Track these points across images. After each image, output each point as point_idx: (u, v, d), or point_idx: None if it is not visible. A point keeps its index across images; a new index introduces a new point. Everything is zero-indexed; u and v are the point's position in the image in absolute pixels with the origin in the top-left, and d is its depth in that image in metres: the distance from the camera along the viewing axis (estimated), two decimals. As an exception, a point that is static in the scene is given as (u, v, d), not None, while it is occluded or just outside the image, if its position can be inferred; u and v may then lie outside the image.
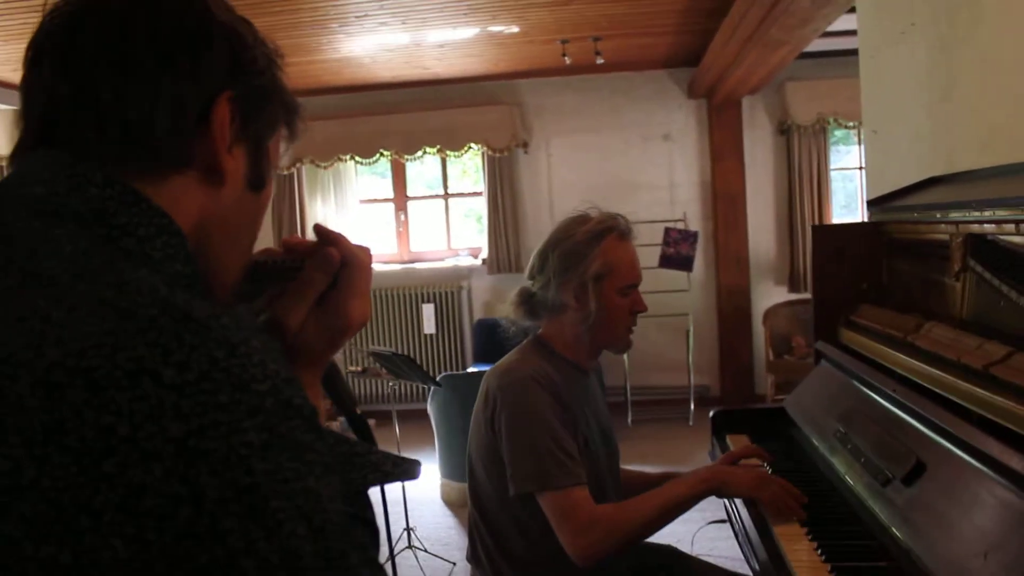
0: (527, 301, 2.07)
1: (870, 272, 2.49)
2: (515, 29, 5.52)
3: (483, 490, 1.97)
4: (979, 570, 1.29)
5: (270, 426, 0.58)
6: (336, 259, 0.85)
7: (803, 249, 7.05)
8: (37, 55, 0.75)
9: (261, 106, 0.79)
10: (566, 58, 6.04)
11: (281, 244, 0.89)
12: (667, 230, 6.54)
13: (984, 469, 1.42)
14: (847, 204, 7.50)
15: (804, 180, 7.05)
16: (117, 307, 0.59)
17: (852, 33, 5.39)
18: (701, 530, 3.51)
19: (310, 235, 0.90)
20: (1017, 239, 1.71)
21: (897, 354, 1.99)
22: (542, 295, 1.99)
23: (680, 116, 7.23)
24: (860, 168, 7.40)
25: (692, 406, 6.75)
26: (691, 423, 6.58)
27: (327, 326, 0.85)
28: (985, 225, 1.82)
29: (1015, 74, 2.14)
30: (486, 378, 2.01)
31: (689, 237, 6.52)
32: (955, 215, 1.92)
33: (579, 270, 1.94)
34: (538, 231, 7.17)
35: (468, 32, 5.50)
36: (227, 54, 0.76)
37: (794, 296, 7.05)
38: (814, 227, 2.63)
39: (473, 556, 2.03)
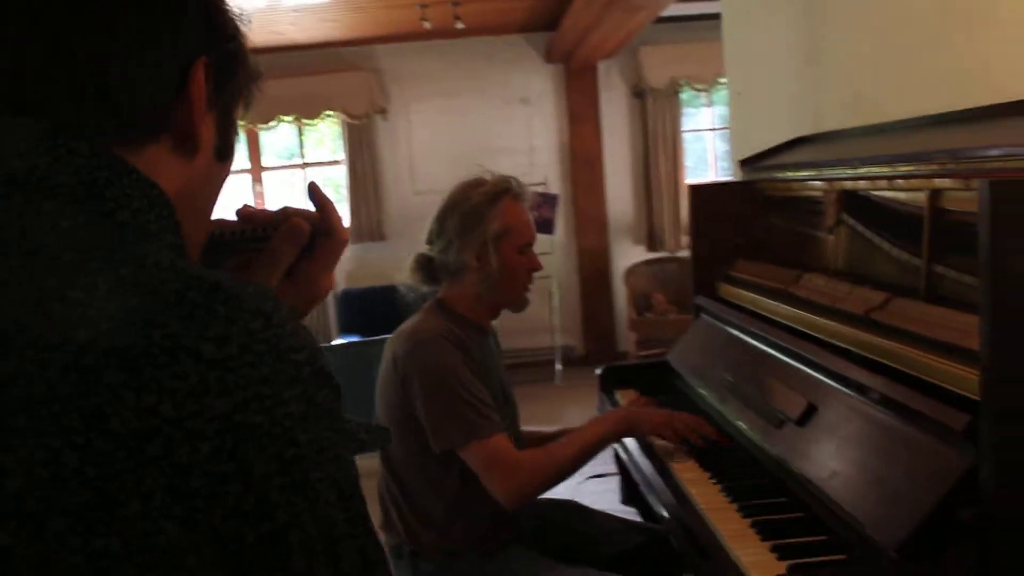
0: (425, 266, 2.08)
1: (745, 229, 2.61)
2: (374, -9, 5.43)
3: (395, 455, 1.98)
4: (872, 493, 1.41)
5: (308, 396, 0.57)
6: (306, 231, 0.83)
7: (660, 209, 7.30)
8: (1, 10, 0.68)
9: (231, 73, 0.76)
10: (425, 23, 5.98)
11: (237, 213, 0.86)
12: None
13: (872, 405, 1.54)
14: (696, 165, 7.79)
15: (659, 142, 7.28)
16: (139, 283, 0.56)
17: (705, -1, 5.61)
18: (581, 485, 3.63)
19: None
20: (889, 194, 1.84)
21: (779, 304, 2.10)
22: (442, 258, 2.00)
23: (538, 80, 7.30)
24: (711, 129, 7.71)
25: (559, 366, 6.90)
26: (558, 383, 6.74)
27: (296, 297, 0.83)
28: (859, 182, 1.94)
29: (878, 41, 2.28)
30: (390, 344, 2.01)
31: (550, 200, 6.61)
32: (830, 172, 2.04)
33: (480, 230, 1.97)
34: (400, 199, 7.12)
35: (325, -5, 5.36)
36: (203, 17, 0.73)
37: (652, 255, 7.30)
38: (691, 187, 2.72)
39: (386, 523, 2.03)
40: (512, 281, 2.02)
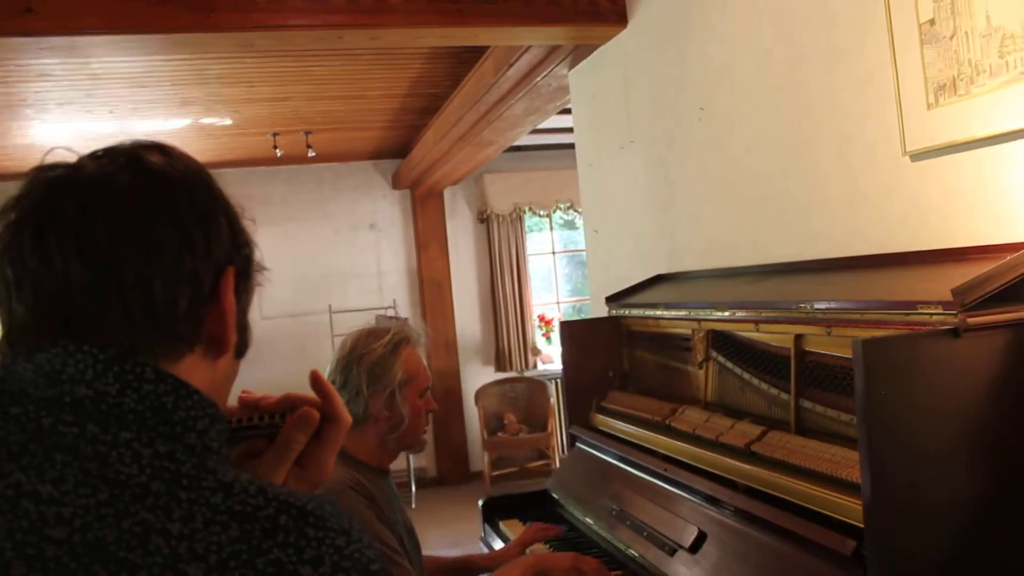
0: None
1: (614, 361, 2.79)
2: (228, 122, 5.47)
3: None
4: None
5: None
6: (316, 419, 0.86)
7: (507, 330, 7.51)
8: (38, 231, 0.70)
9: (249, 275, 0.81)
10: (277, 150, 6.06)
11: (239, 401, 0.88)
12: (377, 318, 6.69)
13: (761, 532, 1.69)
14: (542, 284, 8.09)
15: (505, 265, 7.55)
16: (233, 512, 0.61)
17: (547, 131, 5.98)
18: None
19: None
20: (756, 335, 2.05)
21: (658, 436, 2.26)
22: (349, 409, 2.03)
23: (385, 205, 7.47)
24: (553, 252, 8.06)
25: (413, 488, 6.86)
26: (414, 506, 6.67)
27: (306, 481, 0.85)
28: (727, 323, 2.15)
29: (727, 192, 2.55)
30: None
31: (401, 323, 6.70)
32: (700, 314, 2.24)
33: (387, 380, 2.02)
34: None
35: (179, 123, 5.36)
36: (227, 227, 0.77)
37: (501, 375, 7.46)
38: (562, 323, 2.89)
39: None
40: (415, 426, 2.08)
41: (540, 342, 7.76)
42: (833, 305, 1.69)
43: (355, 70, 4.52)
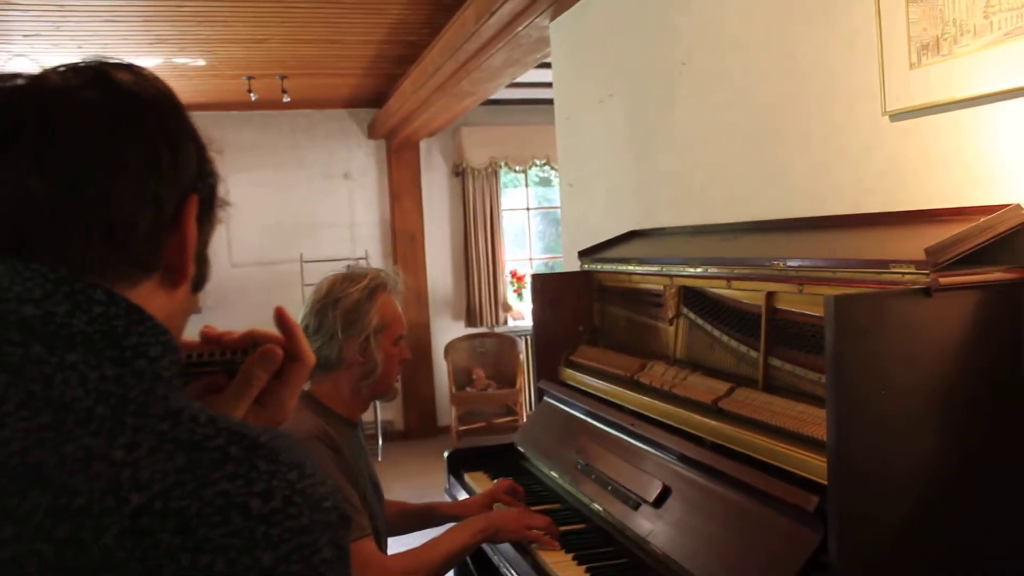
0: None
1: (584, 316, 2.78)
2: (201, 63, 5.36)
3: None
4: (734, 569, 1.55)
5: (336, 540, 0.61)
6: (280, 356, 0.83)
7: (478, 285, 7.49)
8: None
9: (212, 206, 0.78)
10: (252, 94, 5.95)
11: (201, 335, 0.86)
12: (348, 266, 6.63)
13: (725, 487, 1.69)
14: (515, 240, 8.07)
15: (479, 220, 7.50)
16: (180, 441, 0.59)
17: (525, 85, 5.91)
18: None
19: None
20: (727, 292, 2.04)
21: (625, 391, 2.26)
22: (323, 353, 2.01)
23: (360, 155, 7.38)
24: (527, 208, 8.02)
25: (380, 441, 6.86)
26: (380, 458, 6.69)
27: (266, 420, 0.83)
28: (699, 279, 2.14)
29: (705, 147, 2.53)
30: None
31: (373, 274, 6.66)
32: (672, 269, 2.23)
33: (362, 325, 2.00)
34: (217, 271, 6.79)
35: (150, 62, 5.23)
36: (195, 153, 0.74)
37: (472, 330, 7.45)
38: (533, 276, 2.88)
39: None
40: (387, 373, 2.06)
41: (511, 298, 7.75)
42: (806, 263, 1.68)
43: (333, 13, 4.42)
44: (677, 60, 2.63)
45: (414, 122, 6.35)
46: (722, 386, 1.91)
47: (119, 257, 0.68)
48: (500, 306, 7.52)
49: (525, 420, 5.85)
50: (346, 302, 2.01)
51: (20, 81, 0.69)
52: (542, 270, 8.02)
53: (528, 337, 7.27)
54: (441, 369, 7.30)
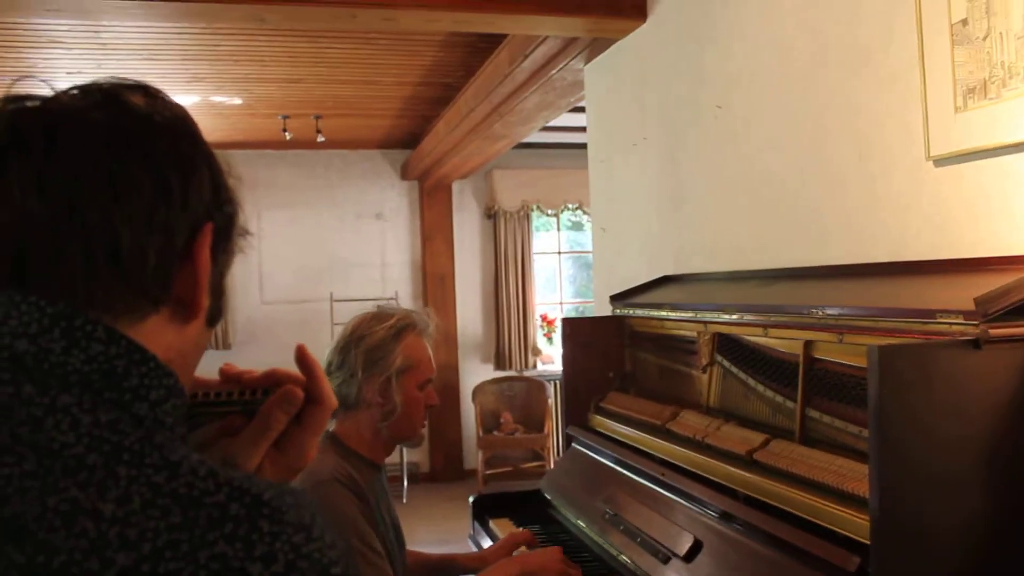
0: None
1: (615, 361, 2.72)
2: (238, 101, 5.42)
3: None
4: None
5: None
6: (300, 398, 0.78)
7: (508, 329, 7.45)
8: None
9: (230, 236, 0.73)
10: (287, 133, 6.01)
11: (220, 374, 0.81)
12: (378, 306, 6.62)
13: (759, 543, 1.62)
14: (546, 284, 8.03)
15: (510, 263, 7.48)
16: (177, 495, 0.53)
17: (558, 129, 5.92)
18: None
19: None
20: (763, 340, 1.98)
21: (656, 439, 2.19)
22: (342, 391, 1.97)
23: (393, 196, 7.41)
24: (558, 252, 8.00)
25: (405, 483, 6.79)
26: (404, 500, 6.61)
27: (284, 466, 0.78)
28: (735, 327, 2.08)
29: (740, 192, 2.48)
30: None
31: (402, 315, 6.65)
32: (707, 316, 2.17)
33: (384, 364, 1.96)
34: (248, 308, 6.95)
35: (188, 100, 5.30)
36: (210, 180, 0.70)
37: (500, 374, 7.39)
38: (564, 320, 2.83)
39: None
40: (411, 417, 2.00)
41: (541, 342, 7.70)
42: (846, 311, 1.62)
43: (369, 54, 4.46)
44: (712, 103, 2.60)
45: (447, 164, 6.37)
46: (757, 437, 1.85)
47: (125, 289, 0.64)
48: (530, 350, 7.46)
49: (552, 466, 5.74)
50: (370, 340, 1.97)
51: (29, 103, 0.66)
52: (572, 314, 7.97)
53: (557, 381, 7.20)
54: (469, 412, 7.24)
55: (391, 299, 7.07)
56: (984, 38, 1.56)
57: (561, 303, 7.99)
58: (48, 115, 0.65)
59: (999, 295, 1.33)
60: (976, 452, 1.33)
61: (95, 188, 0.63)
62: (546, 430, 6.73)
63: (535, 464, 6.75)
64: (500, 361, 7.46)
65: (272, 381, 0.80)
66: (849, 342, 1.65)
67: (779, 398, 1.92)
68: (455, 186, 7.43)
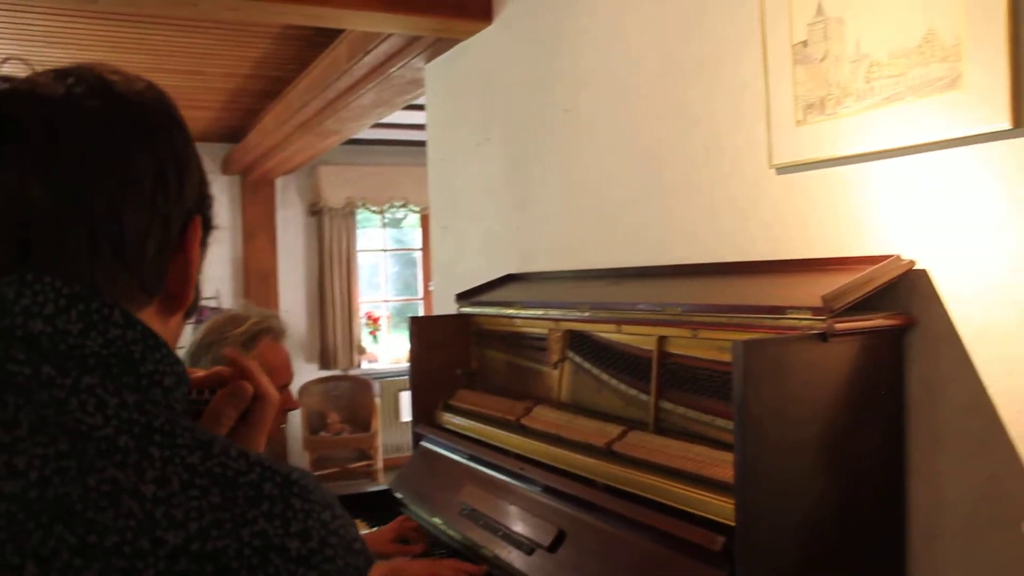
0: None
1: (463, 359, 2.76)
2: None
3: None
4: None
5: None
6: (250, 393, 0.80)
7: (333, 327, 7.33)
8: None
9: (209, 231, 0.76)
10: (99, 123, 5.65)
11: None
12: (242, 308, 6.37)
13: (624, 530, 1.70)
14: (370, 282, 7.97)
15: (334, 260, 7.37)
16: (213, 475, 0.55)
17: (386, 126, 5.89)
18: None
19: None
20: (615, 336, 2.07)
21: (510, 435, 2.24)
22: None
23: (213, 191, 7.11)
24: (384, 250, 7.95)
25: (226, 488, 6.56)
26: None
27: None
28: (588, 324, 2.16)
29: (582, 193, 2.58)
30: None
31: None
32: (560, 313, 2.25)
33: None
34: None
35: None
36: (198, 176, 0.72)
37: (326, 373, 7.27)
38: (411, 318, 2.83)
39: None
40: None
41: (366, 340, 7.63)
42: (702, 308, 1.73)
43: (197, 44, 4.28)
44: (559, 107, 2.68)
45: (273, 159, 6.20)
46: (614, 429, 1.93)
47: (127, 279, 0.65)
48: (355, 348, 7.38)
49: (380, 466, 5.64)
50: (221, 347, 1.91)
51: (12, 85, 0.65)
52: (396, 314, 7.95)
53: (384, 380, 7.17)
54: (294, 412, 7.07)
55: (212, 298, 6.79)
56: (822, 60, 1.71)
57: (386, 300, 7.95)
58: (42, 101, 0.64)
59: (843, 292, 1.46)
60: (823, 435, 1.46)
61: (100, 177, 0.63)
62: (373, 429, 6.68)
63: (363, 464, 6.70)
64: (325, 360, 7.34)
65: (216, 380, 0.82)
66: (703, 337, 1.76)
67: (632, 391, 2.01)
68: (279, 182, 7.25)
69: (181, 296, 0.70)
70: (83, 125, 0.64)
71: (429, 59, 3.58)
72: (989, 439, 1.45)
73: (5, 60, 0.68)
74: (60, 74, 0.66)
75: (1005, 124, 1.39)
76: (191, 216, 0.70)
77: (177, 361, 0.64)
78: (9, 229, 0.61)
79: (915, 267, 1.54)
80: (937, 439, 1.53)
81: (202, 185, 0.74)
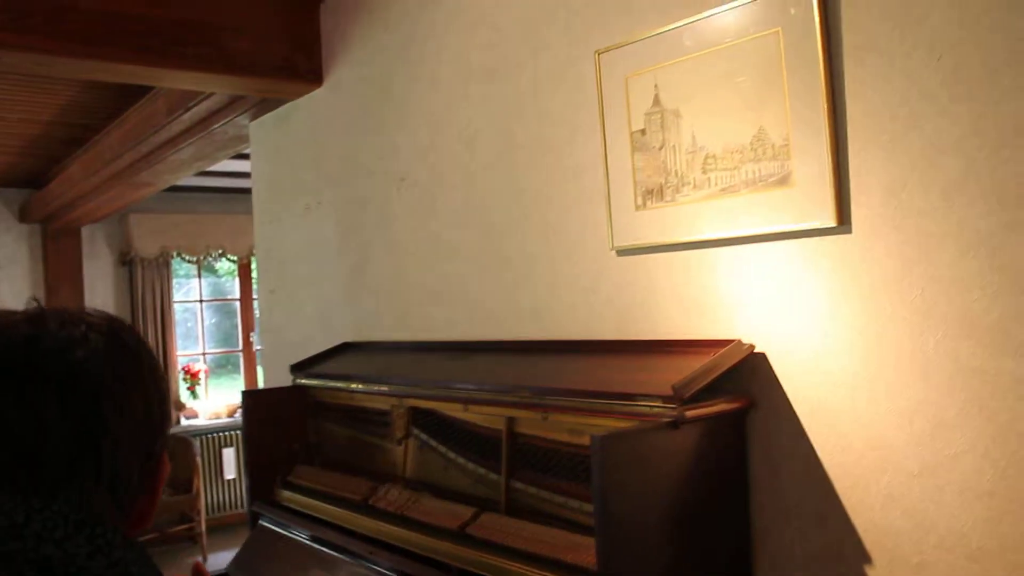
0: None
1: (298, 433, 2.67)
2: None
3: None
4: None
5: None
6: None
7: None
8: (17, 380, 0.69)
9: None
10: None
11: None
12: None
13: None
14: (187, 333, 7.61)
15: (148, 313, 6.99)
16: None
17: (205, 174, 5.67)
18: None
19: None
20: (461, 415, 2.06)
21: (355, 515, 2.18)
22: None
23: (9, 240, 6.61)
24: (200, 300, 7.62)
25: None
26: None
27: None
28: (431, 402, 2.14)
29: (420, 265, 2.56)
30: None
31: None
32: (405, 389, 2.22)
33: None
34: None
35: None
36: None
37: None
38: (244, 392, 2.72)
39: None
40: None
41: (184, 396, 7.26)
42: (553, 391, 1.75)
43: (-6, 89, 3.98)
44: (395, 175, 2.66)
45: (79, 208, 5.83)
46: (465, 511, 1.92)
47: (112, 505, 0.72)
48: (173, 405, 6.99)
49: (203, 531, 5.27)
50: None
51: (25, 330, 0.73)
52: (216, 366, 7.62)
53: (205, 437, 6.84)
54: (103, 477, 6.61)
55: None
56: (660, 148, 1.78)
57: (204, 353, 7.61)
58: (59, 340, 0.72)
59: (690, 380, 1.52)
60: (677, 515, 1.50)
61: (111, 415, 0.72)
62: (195, 489, 6.34)
63: (183, 527, 6.34)
64: (139, 419, 6.91)
65: None
66: (554, 420, 1.78)
67: (481, 470, 2.01)
68: (85, 231, 6.81)
69: (146, 516, 0.78)
70: (95, 363, 0.72)
71: (255, 117, 3.48)
72: (826, 511, 1.54)
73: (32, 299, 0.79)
74: (69, 319, 0.75)
75: (830, 222, 1.50)
76: (161, 448, 0.79)
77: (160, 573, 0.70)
78: (15, 455, 0.68)
79: (754, 351, 1.63)
80: (779, 512, 1.61)
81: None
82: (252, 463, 2.65)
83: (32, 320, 0.74)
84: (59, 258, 6.68)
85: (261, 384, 7.29)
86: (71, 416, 0.69)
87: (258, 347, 7.51)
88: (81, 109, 4.41)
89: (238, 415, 6.88)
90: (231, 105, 3.38)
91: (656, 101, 1.79)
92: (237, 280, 7.70)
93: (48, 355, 0.71)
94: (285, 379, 2.78)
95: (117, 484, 0.72)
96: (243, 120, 3.54)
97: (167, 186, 5.29)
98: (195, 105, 3.42)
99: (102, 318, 0.79)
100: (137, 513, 0.76)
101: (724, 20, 1.67)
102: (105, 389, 0.72)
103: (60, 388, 0.70)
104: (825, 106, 1.50)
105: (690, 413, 1.50)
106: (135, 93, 4.00)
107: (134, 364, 0.77)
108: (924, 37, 1.39)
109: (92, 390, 0.71)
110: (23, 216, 6.58)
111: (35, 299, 0.79)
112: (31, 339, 0.72)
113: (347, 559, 2.13)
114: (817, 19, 1.51)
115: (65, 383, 0.70)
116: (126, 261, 6.99)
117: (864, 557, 1.49)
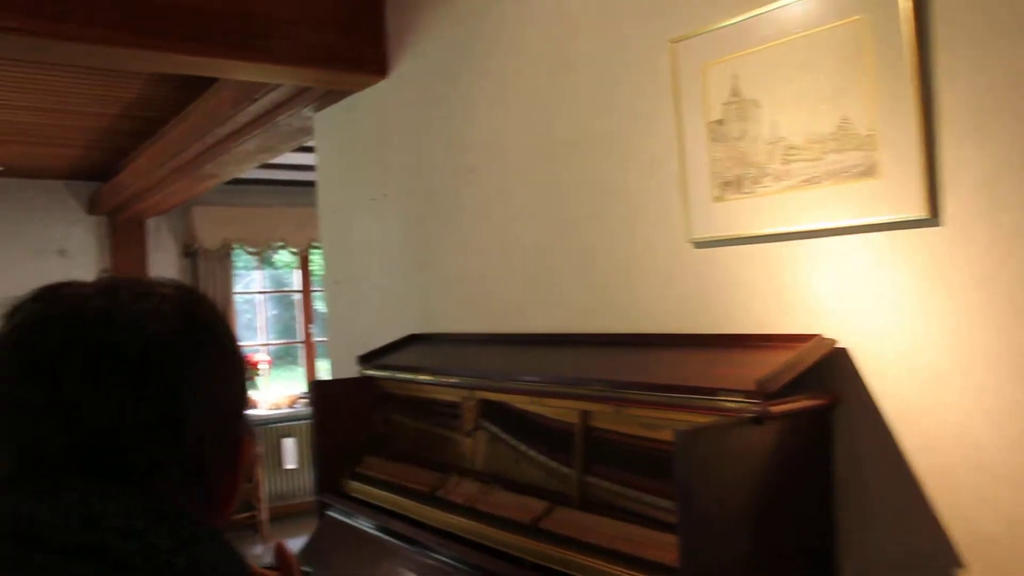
0: None
1: (366, 424, 2.68)
2: None
3: None
4: None
5: None
6: None
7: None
8: (88, 360, 0.63)
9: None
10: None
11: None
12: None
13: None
14: (248, 324, 7.72)
15: (210, 303, 7.09)
16: None
17: (265, 167, 5.73)
18: None
19: None
20: (532, 407, 2.05)
21: (427, 507, 2.18)
22: None
23: (78, 232, 6.77)
24: (262, 292, 7.72)
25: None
26: None
27: None
28: (504, 395, 2.13)
29: (488, 257, 2.56)
30: None
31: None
32: (476, 382, 2.21)
33: None
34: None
35: None
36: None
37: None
38: (311, 383, 2.74)
39: None
40: None
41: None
42: (630, 384, 1.73)
43: (61, 82, 4.05)
44: (462, 167, 2.66)
45: (146, 200, 5.94)
46: (538, 504, 1.91)
47: (203, 497, 0.69)
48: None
49: (265, 519, 5.32)
50: None
51: (96, 303, 0.67)
52: (275, 358, 7.73)
53: (267, 427, 6.94)
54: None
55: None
56: (739, 139, 1.75)
57: (265, 344, 7.71)
58: (128, 319, 0.67)
59: (775, 375, 1.48)
60: (759, 514, 1.47)
61: (186, 396, 0.67)
62: (256, 479, 6.44)
63: (246, 515, 6.44)
64: (202, 408, 7.04)
65: None
66: (628, 413, 1.76)
67: (553, 463, 1.99)
68: (151, 223, 6.94)
69: (228, 504, 0.74)
70: (171, 346, 0.67)
71: (319, 108, 3.50)
72: (914, 511, 1.50)
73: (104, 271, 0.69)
74: (143, 292, 0.70)
75: (920, 214, 1.45)
76: (241, 435, 0.75)
77: (246, 570, 0.66)
78: (94, 442, 0.63)
79: (837, 345, 1.59)
80: (864, 514, 1.57)
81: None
82: (320, 453, 2.67)
83: (104, 292, 0.69)
84: (125, 249, 6.82)
85: (320, 375, 7.38)
86: (148, 396, 0.64)
87: (318, 338, 7.59)
88: (147, 102, 4.49)
89: (298, 406, 6.96)
90: (296, 97, 3.40)
91: (735, 91, 1.76)
92: (297, 272, 7.78)
93: (123, 330, 0.65)
94: (350, 370, 2.80)
95: (198, 469, 0.67)
96: (308, 112, 3.57)
97: (231, 178, 5.35)
98: (261, 97, 3.45)
99: (174, 288, 0.73)
100: (218, 499, 0.71)
101: (804, 7, 1.63)
102: (183, 367, 0.67)
103: (135, 368, 0.64)
104: (915, 95, 1.46)
105: (774, 409, 1.47)
106: (200, 86, 4.06)
107: (211, 337, 0.71)
108: (1018, 24, 1.34)
109: (169, 369, 0.66)
110: (92, 208, 6.73)
111: (105, 270, 0.77)
112: (103, 314, 0.66)
113: (416, 550, 2.13)
114: (904, 5, 1.46)
115: (140, 361, 0.65)
116: (189, 252, 7.11)
117: (955, 561, 1.45)
